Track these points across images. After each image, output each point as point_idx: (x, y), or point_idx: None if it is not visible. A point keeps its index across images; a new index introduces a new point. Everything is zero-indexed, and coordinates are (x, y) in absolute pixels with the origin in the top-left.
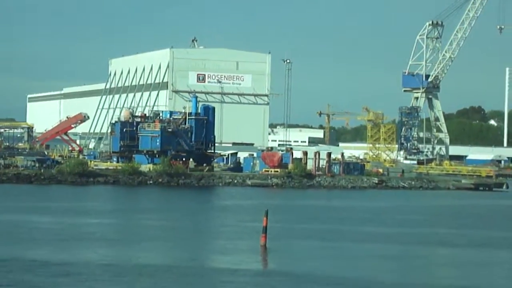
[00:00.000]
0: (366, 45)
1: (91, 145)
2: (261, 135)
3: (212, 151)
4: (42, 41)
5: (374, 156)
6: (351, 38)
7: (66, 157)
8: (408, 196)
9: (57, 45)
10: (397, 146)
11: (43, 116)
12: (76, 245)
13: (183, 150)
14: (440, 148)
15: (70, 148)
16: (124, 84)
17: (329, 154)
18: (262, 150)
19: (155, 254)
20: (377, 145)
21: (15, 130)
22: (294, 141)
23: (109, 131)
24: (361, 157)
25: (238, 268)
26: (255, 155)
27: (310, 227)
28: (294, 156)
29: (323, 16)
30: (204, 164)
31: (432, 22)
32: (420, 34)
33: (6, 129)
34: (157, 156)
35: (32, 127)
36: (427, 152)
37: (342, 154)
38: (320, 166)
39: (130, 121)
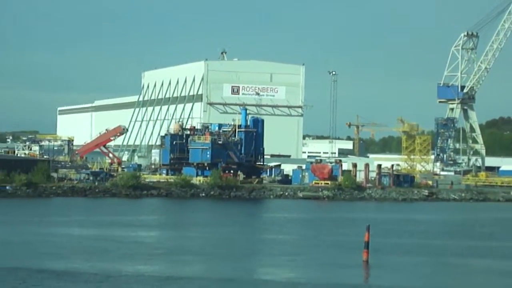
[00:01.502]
0: (401, 56)
1: (124, 158)
2: (295, 147)
3: (262, 163)
4: (74, 54)
5: (409, 168)
6: (386, 49)
7: (107, 169)
8: (466, 208)
9: (89, 58)
10: (432, 157)
11: (74, 128)
12: (179, 259)
13: (233, 163)
14: (476, 159)
15: (109, 161)
16: (157, 96)
17: (379, 166)
18: (311, 162)
19: (267, 269)
20: (412, 157)
21: (55, 143)
22: (324, 153)
23: (143, 143)
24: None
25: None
26: (303, 167)
27: (400, 241)
28: (343, 168)
29: (358, 27)
30: (254, 177)
31: (467, 33)
32: (455, 45)
33: (46, 142)
34: (207, 168)
35: (72, 140)
36: (462, 163)
37: (392, 166)
38: (370, 178)
39: (179, 133)
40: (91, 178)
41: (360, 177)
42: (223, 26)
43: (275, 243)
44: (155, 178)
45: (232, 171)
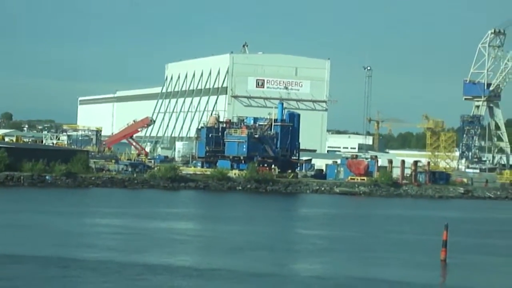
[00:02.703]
0: (427, 53)
1: (147, 149)
2: (319, 141)
3: (297, 157)
4: (97, 44)
5: (433, 164)
6: (412, 46)
7: (143, 160)
8: (506, 206)
9: (112, 48)
10: (457, 154)
11: (95, 119)
12: (258, 255)
13: (269, 157)
14: (501, 157)
15: (137, 152)
16: (181, 88)
17: (415, 163)
18: (346, 158)
19: (347, 265)
20: (436, 153)
21: (77, 133)
22: (344, 148)
23: (166, 134)
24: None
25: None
26: (338, 162)
27: (469, 241)
28: (379, 164)
29: (383, 23)
30: (289, 171)
31: (495, 31)
32: (482, 42)
33: (74, 132)
34: (243, 162)
35: (101, 130)
36: (486, 161)
37: (429, 163)
38: (405, 174)
39: (215, 126)
40: (129, 169)
41: (396, 173)
42: (247, 19)
43: (340, 240)
44: (191, 170)
45: (266, 165)
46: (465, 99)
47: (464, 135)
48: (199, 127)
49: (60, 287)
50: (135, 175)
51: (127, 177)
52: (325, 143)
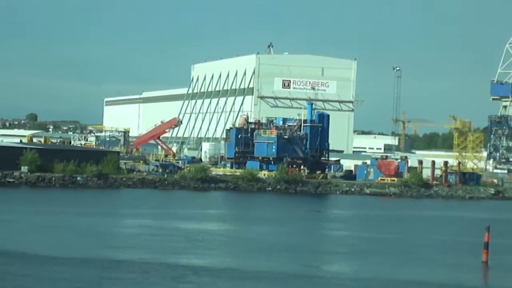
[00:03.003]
0: (454, 53)
1: (173, 149)
2: (346, 142)
3: (326, 158)
4: (123, 45)
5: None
6: (438, 45)
7: (170, 161)
8: None
9: (138, 49)
10: (485, 154)
11: (120, 119)
12: (301, 256)
13: (298, 157)
14: None
15: (164, 153)
16: (207, 89)
17: (445, 164)
18: (376, 159)
19: (392, 268)
20: (463, 154)
21: (105, 134)
22: (369, 148)
23: (192, 135)
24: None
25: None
26: (368, 163)
27: (507, 242)
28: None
29: (410, 23)
30: (318, 172)
31: None
32: (510, 42)
33: (102, 132)
34: (272, 162)
35: (128, 131)
36: None
37: (459, 164)
38: (435, 175)
39: (245, 127)
40: (160, 170)
41: (426, 174)
42: (272, 19)
43: (378, 242)
44: (220, 171)
45: (294, 166)
46: (493, 99)
47: (492, 136)
48: (228, 128)
49: None
50: (165, 176)
51: (157, 178)
52: (351, 143)
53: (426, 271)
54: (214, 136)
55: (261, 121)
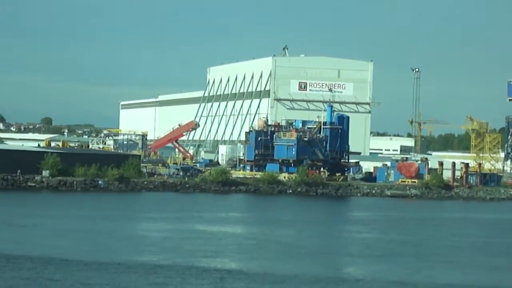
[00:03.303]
0: (470, 54)
1: (190, 152)
2: (363, 144)
3: (346, 160)
4: (139, 49)
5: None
6: (455, 47)
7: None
8: None
9: (154, 53)
10: (502, 155)
11: (137, 123)
12: (337, 260)
13: (318, 160)
14: None
15: (182, 156)
16: (223, 92)
17: (466, 165)
18: (397, 160)
19: (427, 272)
20: (481, 155)
21: (123, 137)
22: (386, 150)
23: (209, 138)
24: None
25: None
26: (388, 164)
27: None
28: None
29: (426, 24)
30: (338, 174)
31: None
32: None
33: (121, 136)
34: (292, 165)
35: (146, 135)
36: None
37: (479, 165)
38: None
39: (264, 130)
40: (180, 173)
41: (446, 175)
42: (287, 21)
43: (407, 244)
44: (240, 173)
45: (314, 168)
46: (510, 100)
47: (509, 136)
48: (248, 131)
49: None
50: (186, 179)
51: (178, 181)
52: (368, 145)
53: (458, 273)
54: (230, 139)
55: (280, 124)
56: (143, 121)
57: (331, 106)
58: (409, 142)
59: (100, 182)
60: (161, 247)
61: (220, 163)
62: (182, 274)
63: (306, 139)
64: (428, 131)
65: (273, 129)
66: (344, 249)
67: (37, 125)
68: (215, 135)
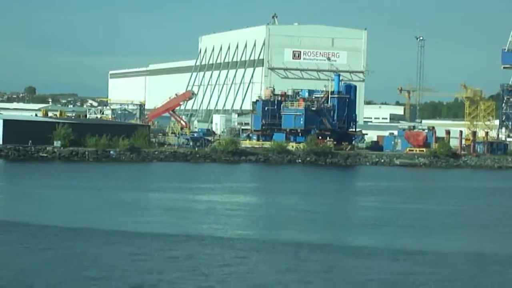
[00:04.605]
0: (464, 22)
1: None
2: (357, 112)
3: (354, 129)
4: (126, 16)
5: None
6: (448, 14)
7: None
8: None
9: (144, 21)
10: (497, 123)
11: (126, 92)
12: (387, 231)
13: (326, 129)
14: None
15: (180, 126)
16: (215, 61)
17: (474, 134)
18: (404, 129)
19: (487, 244)
20: (475, 123)
21: (121, 106)
22: (375, 118)
23: (202, 107)
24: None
25: None
26: (395, 133)
27: None
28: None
29: None
30: (345, 143)
31: None
32: None
33: (118, 105)
34: (300, 134)
35: (144, 104)
36: None
37: (487, 134)
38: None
39: (271, 99)
40: (190, 143)
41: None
42: None
43: (451, 214)
44: (247, 143)
45: (321, 138)
46: (504, 67)
47: (504, 104)
48: (255, 100)
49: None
50: (196, 149)
51: (188, 151)
52: (363, 114)
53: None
54: (224, 108)
55: (287, 93)
56: (133, 91)
57: (339, 75)
58: (398, 111)
59: (112, 152)
60: (215, 220)
61: (216, 133)
62: (258, 248)
63: (314, 108)
64: (415, 100)
65: (279, 98)
66: (396, 221)
67: (21, 94)
68: (207, 105)
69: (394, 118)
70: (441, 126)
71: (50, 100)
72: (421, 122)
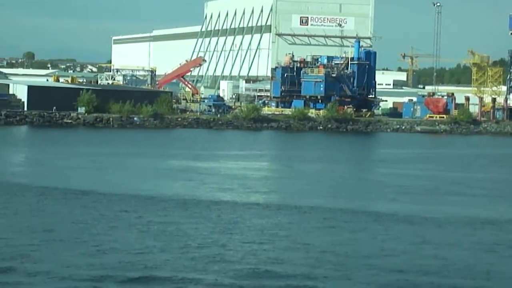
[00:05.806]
0: None
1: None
2: None
3: (374, 96)
4: None
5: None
6: None
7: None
8: None
9: None
10: (504, 89)
11: (129, 58)
12: (457, 200)
13: (346, 96)
14: None
15: (192, 92)
16: (221, 27)
17: (493, 100)
18: (423, 96)
19: None
20: (482, 89)
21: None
22: (378, 84)
23: (208, 73)
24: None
25: None
26: (414, 100)
27: None
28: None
29: None
30: (365, 110)
31: None
32: None
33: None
34: (320, 101)
35: (155, 70)
36: None
37: (506, 100)
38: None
39: (290, 66)
40: (213, 110)
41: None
42: None
43: (501, 184)
44: (267, 110)
45: (342, 105)
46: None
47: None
48: (274, 67)
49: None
50: (218, 116)
51: (211, 118)
52: None
53: None
54: (231, 75)
55: (306, 60)
56: (136, 57)
57: (359, 42)
58: (401, 77)
59: (135, 118)
60: (275, 189)
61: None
62: (290, 212)
63: (334, 75)
64: (414, 65)
65: (299, 65)
66: (448, 189)
67: (20, 60)
68: (214, 71)
69: (397, 84)
70: (444, 92)
71: (49, 65)
72: (423, 87)
